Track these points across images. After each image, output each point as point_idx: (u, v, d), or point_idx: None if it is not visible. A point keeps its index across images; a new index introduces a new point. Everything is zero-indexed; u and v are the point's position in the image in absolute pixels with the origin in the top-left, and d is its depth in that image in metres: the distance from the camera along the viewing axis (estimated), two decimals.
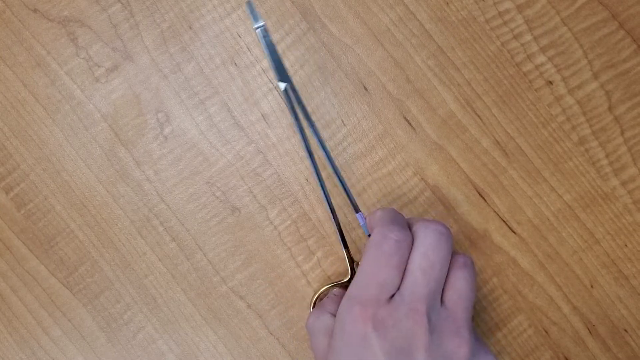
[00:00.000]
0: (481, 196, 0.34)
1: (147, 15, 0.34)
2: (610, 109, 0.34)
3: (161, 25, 0.34)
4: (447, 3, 0.34)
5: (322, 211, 0.34)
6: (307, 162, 0.29)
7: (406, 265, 0.26)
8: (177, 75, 0.34)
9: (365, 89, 0.34)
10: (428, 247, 0.26)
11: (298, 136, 0.28)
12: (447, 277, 0.27)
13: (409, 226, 0.28)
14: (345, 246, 0.32)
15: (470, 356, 0.25)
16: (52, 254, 0.35)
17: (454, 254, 0.28)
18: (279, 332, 0.34)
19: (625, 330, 0.33)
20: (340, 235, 0.31)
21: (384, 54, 0.34)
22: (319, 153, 0.30)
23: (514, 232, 0.34)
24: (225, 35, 0.34)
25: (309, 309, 0.34)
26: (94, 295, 0.34)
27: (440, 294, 0.27)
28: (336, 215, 0.31)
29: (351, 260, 0.32)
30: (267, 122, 0.34)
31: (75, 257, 0.35)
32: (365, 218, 0.31)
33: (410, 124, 0.34)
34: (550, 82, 0.34)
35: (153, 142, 0.35)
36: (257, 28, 0.28)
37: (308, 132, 0.30)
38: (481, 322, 0.34)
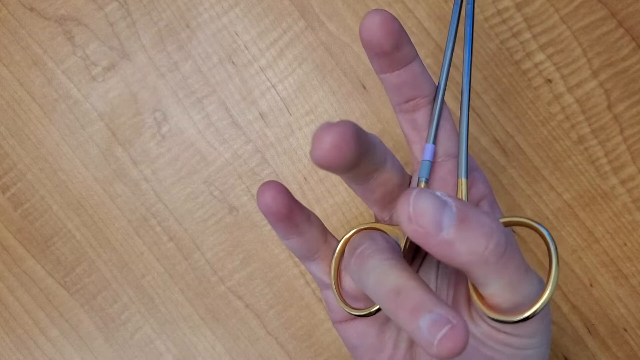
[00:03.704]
0: None
1: (144, 14, 0.34)
2: (609, 107, 0.34)
3: (158, 24, 0.34)
4: (446, 1, 0.34)
5: (321, 210, 0.34)
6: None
7: None
8: (174, 73, 0.34)
9: (364, 87, 0.34)
10: None
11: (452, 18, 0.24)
12: None
13: None
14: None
15: None
16: (49, 254, 0.34)
17: None
18: (277, 332, 0.34)
19: (625, 330, 0.33)
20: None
21: None
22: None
23: (513, 231, 0.34)
24: (222, 33, 0.34)
25: (308, 309, 0.34)
26: (91, 296, 0.34)
27: None
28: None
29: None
30: (265, 121, 0.34)
31: (72, 257, 0.34)
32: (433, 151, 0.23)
33: None
34: (549, 81, 0.34)
35: (150, 141, 0.34)
36: None
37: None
38: None
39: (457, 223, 0.17)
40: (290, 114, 0.34)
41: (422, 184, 0.22)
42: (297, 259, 0.34)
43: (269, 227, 0.34)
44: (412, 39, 0.34)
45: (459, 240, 0.17)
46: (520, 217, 0.21)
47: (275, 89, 0.34)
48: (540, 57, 0.34)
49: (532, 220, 0.20)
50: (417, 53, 0.22)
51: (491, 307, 0.19)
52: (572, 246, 0.33)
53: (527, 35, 0.34)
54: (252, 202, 0.34)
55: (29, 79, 0.35)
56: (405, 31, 0.21)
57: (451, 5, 0.34)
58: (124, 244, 0.34)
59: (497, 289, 0.18)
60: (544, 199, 0.33)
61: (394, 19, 0.20)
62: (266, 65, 0.34)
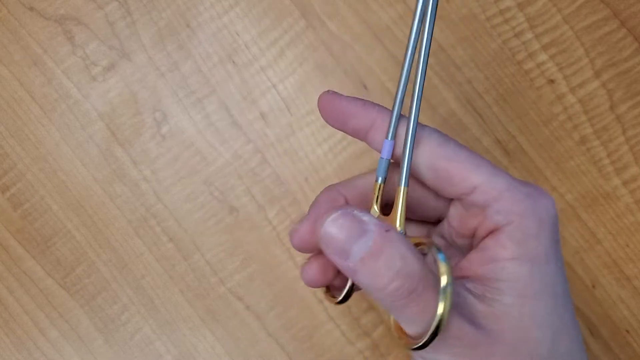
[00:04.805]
0: None
1: (144, 13, 0.34)
2: (611, 108, 0.33)
3: (158, 23, 0.34)
4: (448, 1, 0.34)
5: None
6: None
7: None
8: (174, 73, 0.34)
9: (365, 87, 0.34)
10: None
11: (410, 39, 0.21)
12: None
13: None
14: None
15: None
16: (49, 254, 0.34)
17: None
18: (277, 334, 0.34)
19: (627, 331, 0.33)
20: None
21: (384, 52, 0.34)
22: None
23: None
24: (222, 33, 0.34)
25: (309, 310, 0.33)
26: (91, 296, 0.34)
27: None
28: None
29: None
30: (265, 121, 0.34)
31: (72, 257, 0.34)
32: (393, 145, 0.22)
33: None
34: (552, 81, 0.33)
35: (150, 142, 0.34)
36: None
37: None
38: None
39: (366, 257, 0.17)
40: (291, 114, 0.34)
41: (379, 184, 0.21)
42: (297, 260, 0.34)
43: (269, 228, 0.34)
44: None
45: (361, 272, 0.18)
46: (422, 238, 0.20)
47: (276, 89, 0.34)
48: (542, 57, 0.33)
49: (428, 240, 0.19)
50: (374, 118, 0.22)
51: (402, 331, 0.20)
52: (575, 247, 0.33)
53: (530, 35, 0.33)
54: (252, 202, 0.34)
55: (28, 79, 0.34)
56: (351, 106, 0.21)
57: (453, 5, 0.34)
58: (124, 245, 0.34)
59: (398, 319, 0.19)
60: None
61: (334, 99, 0.22)
62: (267, 65, 0.34)
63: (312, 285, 0.22)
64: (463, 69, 0.34)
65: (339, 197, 0.22)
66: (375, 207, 0.22)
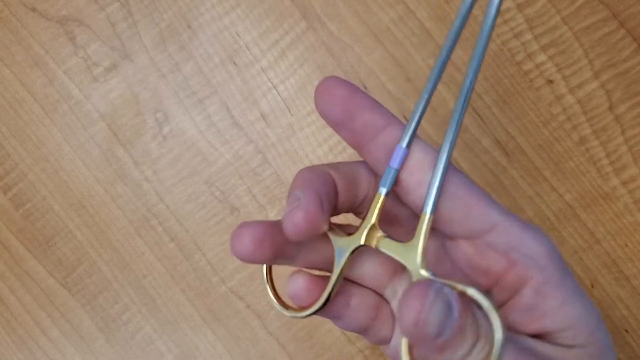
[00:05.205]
0: None
1: (145, 14, 0.34)
2: (610, 108, 0.33)
3: (160, 25, 0.34)
4: (447, 1, 0.34)
5: None
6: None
7: None
8: (175, 74, 0.34)
9: (365, 88, 0.34)
10: None
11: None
12: None
13: None
14: None
15: None
16: (51, 254, 0.34)
17: None
18: (278, 333, 0.34)
19: (626, 331, 0.33)
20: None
21: (383, 53, 0.34)
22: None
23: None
24: (224, 34, 0.34)
25: None
26: (93, 296, 0.34)
27: None
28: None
29: None
30: (266, 122, 0.34)
31: (73, 257, 0.34)
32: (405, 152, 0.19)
33: None
34: (551, 81, 0.34)
35: (152, 142, 0.34)
36: None
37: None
38: None
39: (456, 332, 0.16)
40: (292, 115, 0.34)
41: (382, 196, 0.19)
42: None
43: None
44: (413, 40, 0.34)
45: (450, 347, 0.17)
46: (464, 284, 0.18)
47: (277, 90, 0.34)
48: (541, 58, 0.34)
49: (474, 288, 0.17)
50: (390, 121, 0.19)
51: None
52: (574, 247, 0.33)
53: (529, 36, 0.34)
54: (253, 202, 0.34)
55: (30, 80, 0.35)
56: (365, 98, 0.18)
57: (452, 5, 0.34)
58: (125, 245, 0.34)
59: None
60: (545, 199, 0.33)
61: (344, 85, 0.18)
62: (267, 66, 0.34)
63: (247, 259, 0.18)
64: (463, 70, 0.34)
65: (330, 182, 0.19)
66: (374, 222, 0.19)
